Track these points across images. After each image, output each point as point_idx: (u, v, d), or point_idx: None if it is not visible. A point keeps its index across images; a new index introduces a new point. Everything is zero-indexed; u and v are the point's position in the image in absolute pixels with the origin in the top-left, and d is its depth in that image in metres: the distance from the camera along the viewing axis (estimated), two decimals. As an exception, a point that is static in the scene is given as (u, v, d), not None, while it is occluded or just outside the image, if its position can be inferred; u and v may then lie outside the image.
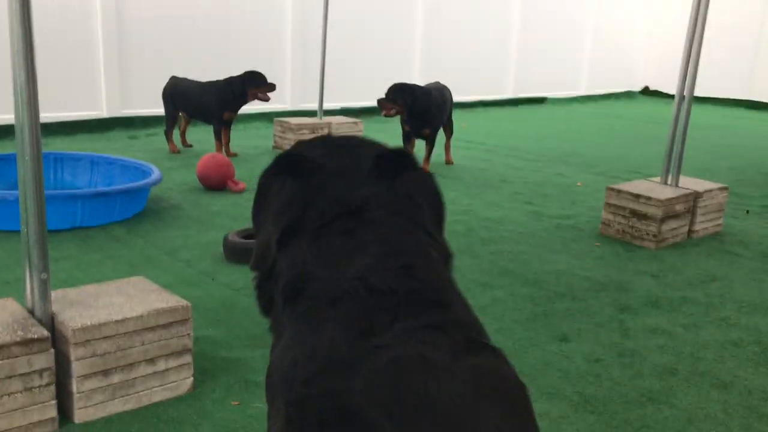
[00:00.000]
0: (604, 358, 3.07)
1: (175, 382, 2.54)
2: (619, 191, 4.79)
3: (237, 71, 6.83)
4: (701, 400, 2.76)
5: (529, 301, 3.67)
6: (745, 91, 13.81)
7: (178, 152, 6.89)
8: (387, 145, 1.39)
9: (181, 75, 7.05)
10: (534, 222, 5.15)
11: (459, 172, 6.78)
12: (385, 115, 6.51)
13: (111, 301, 2.48)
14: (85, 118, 7.67)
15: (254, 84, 6.68)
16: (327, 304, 1.10)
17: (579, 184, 6.50)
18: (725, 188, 5.10)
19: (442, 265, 1.23)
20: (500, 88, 12.24)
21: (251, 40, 9.03)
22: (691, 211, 4.86)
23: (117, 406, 2.41)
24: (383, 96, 6.43)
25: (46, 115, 7.27)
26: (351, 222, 1.21)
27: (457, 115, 7.87)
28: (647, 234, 4.64)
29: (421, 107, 6.39)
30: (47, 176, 5.30)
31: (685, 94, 4.90)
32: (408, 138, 6.62)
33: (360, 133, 7.73)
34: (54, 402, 2.28)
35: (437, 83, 6.96)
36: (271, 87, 6.77)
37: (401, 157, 1.34)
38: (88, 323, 2.30)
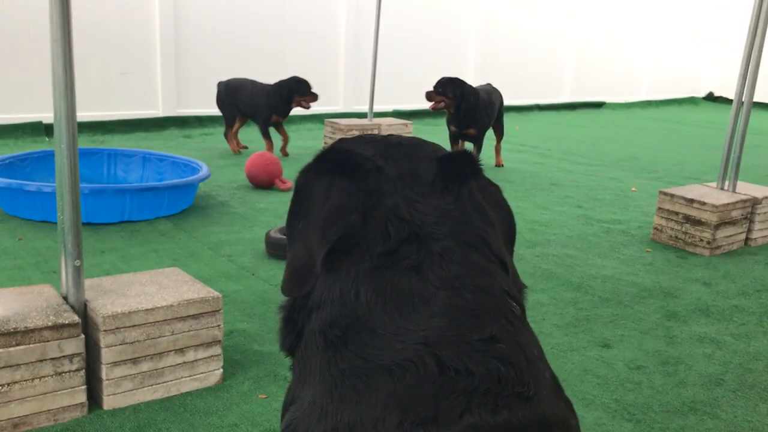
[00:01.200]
0: (646, 365, 2.95)
1: (204, 373, 2.55)
2: (672, 196, 4.62)
3: (291, 74, 6.91)
4: (748, 412, 2.62)
5: (572, 305, 3.56)
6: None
7: (239, 152, 6.97)
8: (443, 148, 1.19)
9: (234, 77, 7.16)
10: (583, 226, 5.01)
11: (509, 174, 6.67)
12: (433, 108, 6.44)
13: (143, 290, 2.51)
14: (143, 117, 7.86)
15: (299, 92, 6.76)
16: (382, 371, 0.88)
17: (633, 189, 6.31)
18: (787, 195, 4.87)
19: (525, 325, 1.00)
20: (556, 92, 12.03)
21: (306, 42, 9.11)
22: (749, 218, 4.65)
23: (145, 395, 2.43)
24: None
25: (106, 114, 7.57)
26: (419, 253, 0.98)
27: (510, 119, 7.77)
28: (701, 240, 4.46)
29: (468, 104, 6.33)
30: (100, 172, 5.45)
31: (744, 98, 4.70)
32: (456, 139, 6.55)
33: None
34: (84, 387, 2.31)
35: (488, 85, 6.88)
36: (314, 97, 6.84)
37: (467, 161, 1.12)
38: (119, 311, 2.32)
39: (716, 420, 2.55)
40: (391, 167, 1.07)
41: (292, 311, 1.05)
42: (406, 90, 9.93)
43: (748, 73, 4.67)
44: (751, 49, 4.63)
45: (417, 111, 9.67)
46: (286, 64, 8.90)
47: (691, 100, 14.09)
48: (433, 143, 1.19)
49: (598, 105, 12.37)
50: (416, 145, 1.15)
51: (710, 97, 14.31)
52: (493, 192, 1.15)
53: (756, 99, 14.10)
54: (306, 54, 9.08)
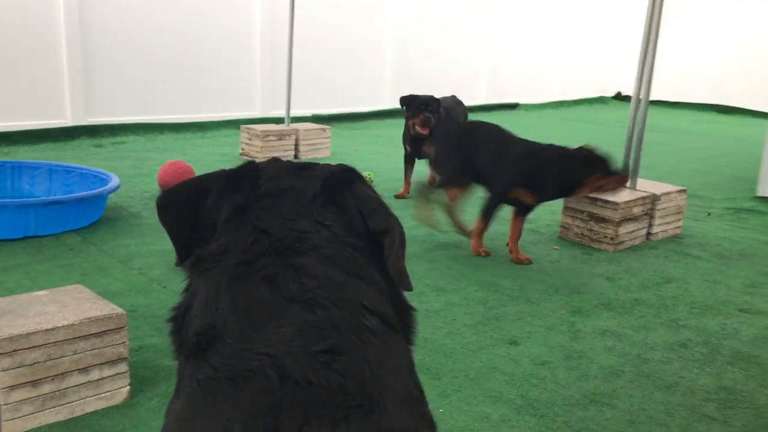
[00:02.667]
0: (551, 360, 3.07)
1: (110, 391, 2.50)
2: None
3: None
4: (644, 401, 2.76)
5: (482, 304, 3.66)
6: (715, 95, 13.96)
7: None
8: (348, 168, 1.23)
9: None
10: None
11: (423, 177, 6.77)
12: (416, 133, 5.65)
13: (43, 309, 2.44)
14: (50, 126, 7.59)
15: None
16: (228, 382, 0.89)
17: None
18: (683, 191, 5.13)
19: (382, 338, 0.99)
20: (473, 94, 12.28)
21: (220, 47, 8.99)
22: (650, 214, 4.88)
23: (48, 417, 2.36)
24: (401, 104, 5.77)
25: (10, 124, 7.27)
26: (275, 265, 1.01)
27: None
28: (605, 237, 4.66)
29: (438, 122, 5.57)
30: (4, 186, 5.24)
31: (641, 96, 4.93)
32: (411, 159, 5.93)
33: (327, 140, 7.72)
34: (-20, 413, 2.24)
35: (452, 97, 6.38)
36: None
37: (349, 176, 1.17)
38: (16, 333, 2.26)
39: (614, 410, 2.68)
40: (273, 185, 1.15)
41: (178, 316, 1.08)
42: (324, 94, 9.94)
43: (644, 73, 4.90)
44: (646, 50, 4.86)
45: (335, 115, 9.69)
46: (200, 69, 8.79)
47: (601, 100, 14.63)
48: (335, 165, 1.24)
49: (513, 106, 12.70)
50: (319, 167, 1.23)
51: (619, 97, 14.90)
52: (374, 203, 1.18)
53: (657, 98, 14.64)
54: (220, 58, 8.97)
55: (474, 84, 12.30)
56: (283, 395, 0.87)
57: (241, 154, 7.42)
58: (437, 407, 2.62)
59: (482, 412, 2.62)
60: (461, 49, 12.00)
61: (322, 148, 7.67)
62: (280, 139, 7.26)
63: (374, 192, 1.22)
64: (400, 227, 1.16)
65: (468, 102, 12.37)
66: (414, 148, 5.90)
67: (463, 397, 2.71)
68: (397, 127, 6.66)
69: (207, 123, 8.69)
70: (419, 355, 3.01)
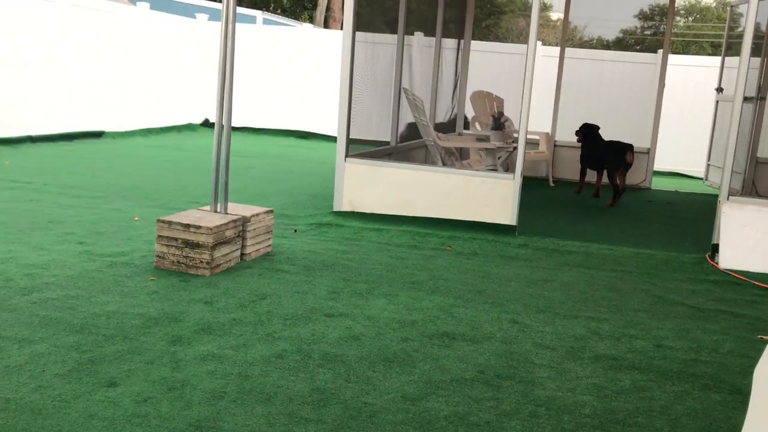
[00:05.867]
0: (153, 395, 2.98)
1: None
2: (170, 222, 4.77)
3: None
4: (247, 417, 2.85)
5: (75, 349, 3.39)
6: (294, 122, 15.24)
7: None
8: None
9: None
10: (85, 263, 4.82)
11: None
12: None
13: None
14: None
15: None
16: None
17: (136, 218, 6.33)
18: (271, 211, 5.47)
19: None
20: (51, 122, 11.35)
21: None
22: (242, 236, 5.09)
23: None
24: None
25: None
26: None
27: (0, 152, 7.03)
28: (201, 262, 4.71)
29: None
30: None
31: (224, 123, 5.12)
32: None
33: None
34: None
35: None
36: None
37: None
38: None
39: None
40: None
41: None
42: None
43: (225, 102, 5.10)
44: (224, 79, 5.06)
45: None
46: None
47: (190, 127, 14.81)
48: None
49: (98, 134, 12.09)
50: None
51: (207, 124, 15.25)
52: None
53: (243, 124, 15.41)
54: None
55: (52, 111, 11.38)
56: None
57: None
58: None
59: (80, 466, 2.41)
60: (40, 73, 11.01)
61: None
62: None
63: None
64: None
65: (45, 130, 11.39)
66: None
67: (57, 455, 2.46)
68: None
69: None
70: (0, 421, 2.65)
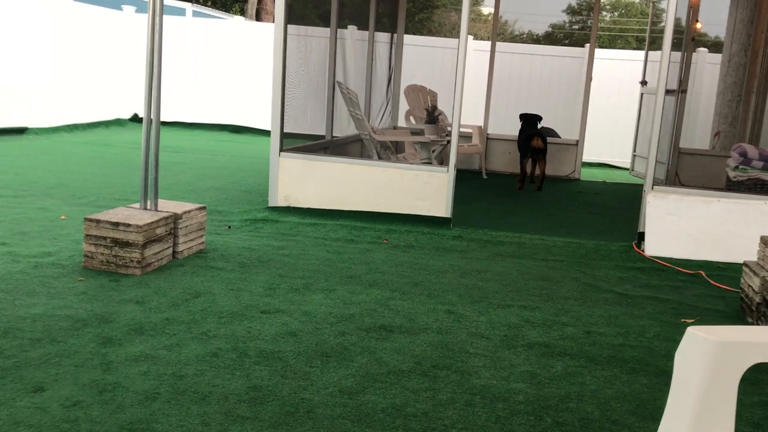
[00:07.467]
0: (83, 399, 2.89)
1: None
2: (98, 221, 4.63)
3: None
4: (182, 418, 2.80)
5: (-1, 355, 3.26)
6: (226, 116, 15.01)
7: None
8: None
9: None
10: (9, 264, 4.64)
11: None
12: None
13: None
14: None
15: None
16: None
17: (63, 217, 6.12)
18: (203, 207, 5.37)
19: None
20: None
21: None
22: (173, 233, 4.98)
23: None
24: None
25: None
26: None
27: None
28: (131, 261, 4.59)
29: None
30: None
31: (152, 117, 5.00)
32: None
33: None
34: None
35: None
36: None
37: None
38: None
39: (153, 434, 2.65)
40: None
41: None
42: None
43: (152, 96, 4.97)
44: (152, 73, 4.94)
45: None
46: None
47: (118, 122, 14.40)
48: None
49: (21, 131, 11.64)
50: None
51: (135, 118, 14.86)
52: None
53: (174, 119, 15.14)
54: None
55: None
56: None
57: None
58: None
59: (6, 475, 2.32)
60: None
61: None
62: None
63: None
64: None
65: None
66: None
67: (-20, 465, 2.37)
68: None
69: None
70: None
